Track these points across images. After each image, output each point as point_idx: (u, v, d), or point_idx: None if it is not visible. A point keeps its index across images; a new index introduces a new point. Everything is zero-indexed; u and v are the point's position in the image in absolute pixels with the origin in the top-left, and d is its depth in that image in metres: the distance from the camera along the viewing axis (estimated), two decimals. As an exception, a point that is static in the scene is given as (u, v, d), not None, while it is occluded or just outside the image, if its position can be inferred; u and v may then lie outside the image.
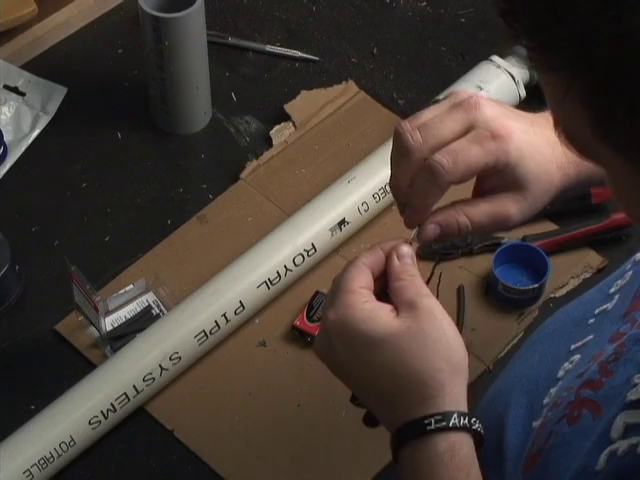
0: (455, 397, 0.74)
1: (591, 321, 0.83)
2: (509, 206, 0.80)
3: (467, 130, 0.77)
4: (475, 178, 0.80)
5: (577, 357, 0.80)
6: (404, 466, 0.74)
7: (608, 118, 0.55)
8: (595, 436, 0.68)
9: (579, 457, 0.69)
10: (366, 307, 0.74)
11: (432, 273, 0.84)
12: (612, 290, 0.85)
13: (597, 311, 0.84)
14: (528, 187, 0.79)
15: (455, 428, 0.72)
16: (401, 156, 0.78)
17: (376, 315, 0.74)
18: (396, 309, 0.75)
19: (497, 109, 0.78)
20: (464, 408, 0.74)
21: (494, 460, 0.78)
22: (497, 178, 0.79)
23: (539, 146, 0.79)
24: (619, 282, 0.85)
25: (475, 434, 0.73)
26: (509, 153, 0.78)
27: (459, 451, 0.72)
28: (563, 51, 0.54)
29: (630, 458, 0.64)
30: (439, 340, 0.74)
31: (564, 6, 0.53)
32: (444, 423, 0.72)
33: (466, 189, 0.82)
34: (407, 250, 0.78)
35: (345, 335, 0.74)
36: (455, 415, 0.72)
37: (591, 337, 0.81)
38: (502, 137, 0.77)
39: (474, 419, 0.73)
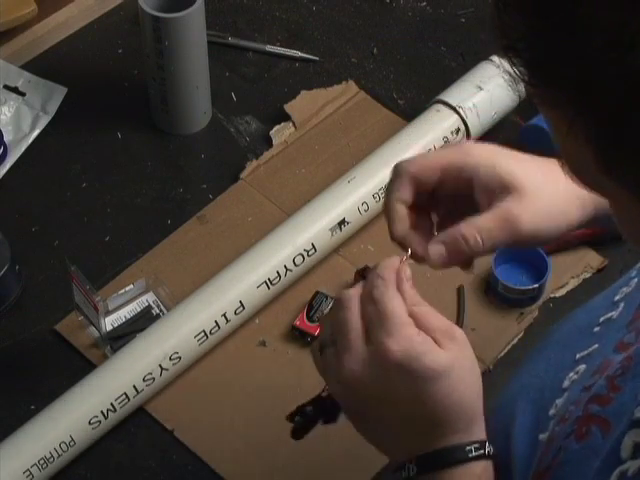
0: (483, 423, 0.77)
1: (596, 329, 0.83)
2: (512, 207, 0.79)
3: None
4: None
5: (582, 367, 0.80)
6: None
7: (612, 153, 0.55)
8: (604, 454, 0.68)
9: (588, 476, 0.68)
10: (420, 339, 0.75)
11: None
12: (617, 298, 0.84)
13: (602, 319, 0.83)
14: (519, 184, 0.79)
15: (488, 456, 0.76)
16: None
17: (430, 348, 0.74)
18: (432, 338, 0.75)
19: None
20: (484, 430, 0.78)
21: (502, 473, 0.78)
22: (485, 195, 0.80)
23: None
24: (624, 289, 0.84)
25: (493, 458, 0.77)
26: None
27: (489, 473, 0.76)
28: (565, 88, 0.54)
29: None
30: (475, 369, 0.77)
31: (566, 43, 0.53)
32: (482, 451, 0.76)
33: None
34: (410, 273, 0.78)
35: (408, 367, 0.74)
36: (487, 444, 0.76)
37: (596, 346, 0.80)
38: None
39: (492, 446, 0.77)
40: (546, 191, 0.80)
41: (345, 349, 0.76)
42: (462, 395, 0.75)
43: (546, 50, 0.54)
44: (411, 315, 0.76)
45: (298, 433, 0.83)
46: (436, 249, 0.80)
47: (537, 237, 0.81)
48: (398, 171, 0.81)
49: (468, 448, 0.75)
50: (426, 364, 0.74)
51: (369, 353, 0.75)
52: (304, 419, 0.82)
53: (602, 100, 0.53)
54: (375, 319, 0.75)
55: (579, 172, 0.60)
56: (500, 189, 0.80)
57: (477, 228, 0.79)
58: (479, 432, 0.76)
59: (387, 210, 0.82)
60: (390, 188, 0.82)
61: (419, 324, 0.75)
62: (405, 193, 0.81)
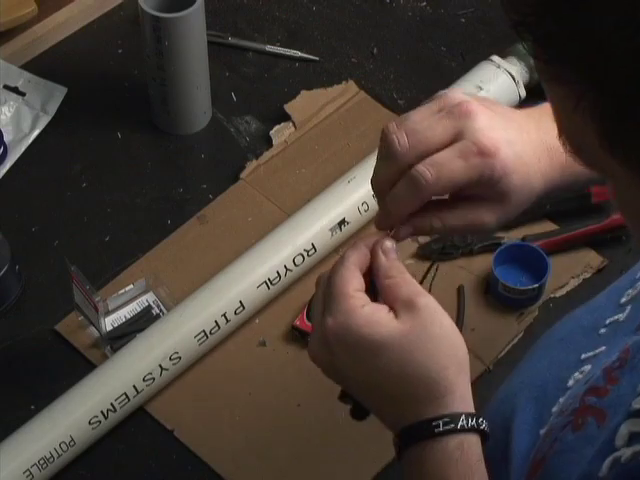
0: (462, 394, 0.74)
1: (602, 331, 0.83)
2: (484, 215, 0.79)
3: (455, 138, 0.76)
4: None
5: (588, 367, 0.80)
6: (411, 465, 0.74)
7: (617, 131, 0.55)
8: (599, 443, 0.68)
9: (582, 464, 0.68)
10: (365, 311, 0.73)
11: (427, 273, 0.84)
12: (623, 300, 0.84)
13: (608, 321, 0.83)
14: (508, 200, 0.78)
15: (463, 430, 0.72)
16: (386, 158, 0.77)
17: (377, 318, 0.73)
18: (392, 309, 0.74)
19: (487, 118, 0.77)
20: (471, 405, 0.74)
21: (500, 465, 0.77)
22: (478, 188, 0.78)
23: (525, 157, 0.78)
24: (630, 292, 0.84)
25: (482, 433, 0.73)
26: (494, 169, 0.76)
27: (467, 450, 0.72)
28: (575, 65, 0.54)
29: (633, 465, 0.64)
30: (442, 338, 0.73)
31: (577, 20, 0.53)
32: (452, 425, 0.72)
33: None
34: (391, 245, 0.77)
35: (348, 341, 0.73)
36: (463, 417, 0.72)
37: (603, 349, 0.80)
38: (488, 153, 0.76)
39: (481, 419, 0.73)
40: (521, 198, 0.79)
41: (312, 329, 0.78)
42: (419, 365, 0.72)
43: (556, 26, 0.54)
44: (383, 288, 0.75)
45: (356, 413, 0.80)
46: (405, 230, 0.78)
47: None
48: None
49: (435, 423, 0.72)
50: (364, 335, 0.72)
51: (319, 331, 0.75)
52: (353, 399, 0.79)
53: (610, 77, 0.53)
54: (326, 297, 0.76)
55: (581, 150, 0.60)
56: (487, 195, 0.79)
57: (444, 222, 0.79)
58: (453, 404, 0.73)
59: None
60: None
61: (387, 296, 0.75)
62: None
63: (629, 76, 0.52)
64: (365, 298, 0.75)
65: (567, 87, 0.55)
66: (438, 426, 0.72)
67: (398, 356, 0.72)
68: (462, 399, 0.73)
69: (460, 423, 0.72)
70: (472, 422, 0.73)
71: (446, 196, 0.80)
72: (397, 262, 0.77)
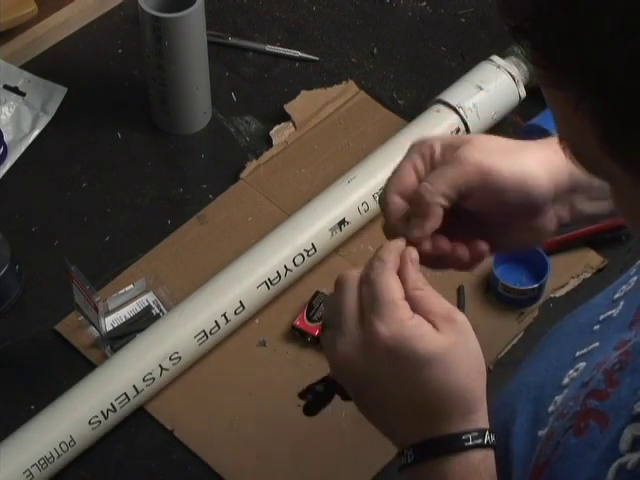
0: (485, 411, 0.75)
1: (596, 327, 0.83)
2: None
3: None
4: None
5: (582, 365, 0.80)
6: (431, 476, 0.74)
7: (618, 136, 0.54)
8: (603, 448, 0.68)
9: (587, 469, 0.68)
10: (413, 323, 0.73)
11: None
12: (617, 296, 0.84)
13: (602, 317, 0.83)
14: (531, 195, 0.79)
15: (487, 445, 0.74)
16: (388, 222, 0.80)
17: (424, 332, 0.73)
18: (429, 321, 0.74)
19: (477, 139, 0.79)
20: (487, 420, 0.76)
21: (501, 469, 0.77)
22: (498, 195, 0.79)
23: (505, 148, 0.80)
24: (624, 288, 0.84)
25: (495, 448, 0.75)
26: (491, 167, 0.78)
27: (489, 462, 0.74)
28: (573, 69, 0.54)
29: None
30: (476, 355, 0.74)
31: (576, 24, 0.52)
32: (480, 440, 0.73)
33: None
34: (416, 256, 0.77)
35: (398, 352, 0.72)
36: (487, 433, 0.74)
37: (596, 344, 0.80)
38: (478, 147, 0.78)
39: (494, 435, 0.75)
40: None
41: (339, 331, 0.75)
42: (459, 381, 0.73)
43: (552, 31, 0.53)
44: (412, 299, 0.75)
45: (309, 409, 0.81)
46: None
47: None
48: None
49: (465, 437, 0.73)
50: (416, 349, 0.72)
51: (360, 336, 0.74)
52: (314, 397, 0.80)
53: (608, 81, 0.52)
54: (369, 302, 0.74)
55: (581, 155, 0.60)
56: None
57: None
58: (479, 420, 0.74)
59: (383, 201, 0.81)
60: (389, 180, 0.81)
61: (419, 308, 0.74)
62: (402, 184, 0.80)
63: (627, 80, 0.52)
64: (409, 308, 0.74)
65: (566, 92, 0.55)
66: (468, 440, 0.73)
67: (442, 371, 0.73)
68: (485, 415, 0.75)
69: (486, 438, 0.74)
70: (493, 438, 0.74)
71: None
72: (420, 274, 0.77)
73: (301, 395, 0.82)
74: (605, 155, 0.56)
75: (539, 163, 0.79)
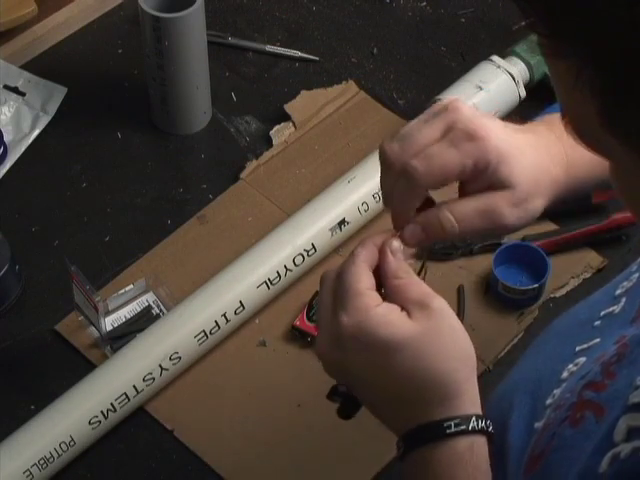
0: (471, 396, 0.74)
1: (597, 323, 0.83)
2: (497, 200, 0.78)
3: (446, 134, 0.76)
4: (459, 183, 0.79)
5: (582, 359, 0.80)
6: (416, 466, 0.74)
7: (617, 108, 0.55)
8: (598, 439, 0.68)
9: (582, 460, 0.68)
10: (380, 311, 0.73)
11: (421, 269, 0.83)
12: (618, 292, 0.84)
13: (603, 313, 0.83)
14: (514, 185, 0.78)
15: (473, 431, 0.73)
16: (384, 169, 0.78)
17: (392, 318, 0.73)
18: (403, 309, 0.74)
19: (473, 110, 0.77)
20: (479, 407, 0.74)
21: (496, 461, 0.77)
22: (481, 180, 0.78)
23: (521, 147, 0.78)
24: (625, 284, 0.84)
25: (489, 434, 0.74)
26: (488, 152, 0.76)
27: (477, 451, 0.73)
28: (575, 38, 0.54)
29: (633, 461, 0.64)
30: (454, 340, 0.73)
31: None
32: (463, 427, 0.72)
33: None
34: (398, 245, 0.77)
35: (363, 340, 0.73)
36: (473, 418, 0.73)
37: (597, 340, 0.80)
38: (479, 137, 0.76)
39: (488, 421, 0.74)
40: (527, 184, 0.79)
41: (318, 326, 0.76)
42: (433, 366, 0.72)
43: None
44: (391, 288, 0.75)
45: (343, 412, 0.80)
46: (411, 229, 0.78)
47: (517, 228, 0.80)
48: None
49: (447, 424, 0.72)
50: (380, 335, 0.72)
51: (332, 330, 0.74)
52: (344, 398, 0.79)
53: (611, 49, 0.53)
54: (338, 295, 0.75)
55: (582, 130, 0.60)
56: (493, 186, 0.78)
57: (455, 214, 0.78)
58: (463, 405, 0.73)
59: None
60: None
61: (397, 296, 0.74)
62: None
63: (626, 48, 0.52)
64: (378, 297, 0.74)
65: (566, 62, 0.56)
66: (449, 427, 0.72)
67: (412, 357, 0.72)
68: (471, 401, 0.74)
69: (471, 425, 0.72)
70: (482, 424, 0.73)
71: (456, 196, 0.80)
72: (404, 263, 0.76)
73: (328, 397, 0.80)
74: (604, 129, 0.56)
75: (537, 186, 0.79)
